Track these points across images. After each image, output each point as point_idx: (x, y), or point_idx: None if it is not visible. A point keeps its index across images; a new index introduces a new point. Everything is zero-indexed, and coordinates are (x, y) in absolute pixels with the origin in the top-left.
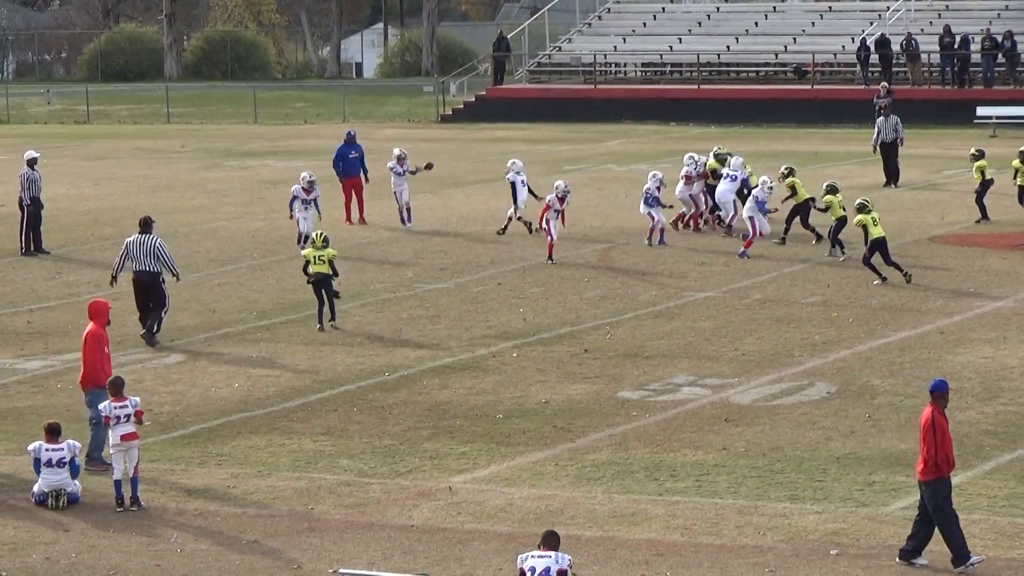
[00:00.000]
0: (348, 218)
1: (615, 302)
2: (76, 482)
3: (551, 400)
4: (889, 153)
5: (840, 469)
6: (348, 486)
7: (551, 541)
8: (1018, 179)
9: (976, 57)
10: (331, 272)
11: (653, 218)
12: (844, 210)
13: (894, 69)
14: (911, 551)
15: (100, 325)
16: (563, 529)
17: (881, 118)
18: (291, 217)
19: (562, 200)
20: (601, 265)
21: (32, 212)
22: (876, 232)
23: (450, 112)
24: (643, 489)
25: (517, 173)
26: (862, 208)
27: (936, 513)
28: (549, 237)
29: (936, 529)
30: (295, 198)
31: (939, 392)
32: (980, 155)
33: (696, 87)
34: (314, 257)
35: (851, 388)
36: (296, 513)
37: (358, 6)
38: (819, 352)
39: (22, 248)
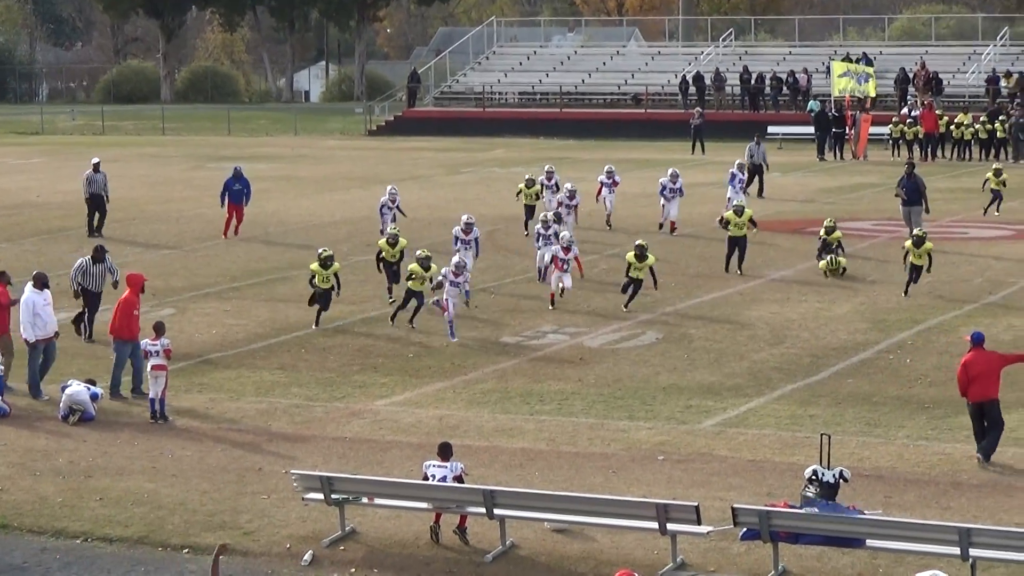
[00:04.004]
0: (225, 234)
1: (498, 271)
2: (93, 405)
3: (450, 343)
4: (756, 172)
5: (665, 396)
6: (298, 408)
7: (445, 450)
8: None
9: (767, 89)
10: (334, 287)
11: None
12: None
13: (706, 97)
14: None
15: (133, 293)
16: (457, 440)
17: (753, 143)
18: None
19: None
20: (488, 243)
21: (93, 204)
22: None
23: (375, 128)
24: (518, 410)
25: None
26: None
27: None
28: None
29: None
30: (457, 239)
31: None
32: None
33: (559, 110)
34: (321, 276)
35: (674, 335)
36: (258, 428)
37: (306, 48)
38: (650, 308)
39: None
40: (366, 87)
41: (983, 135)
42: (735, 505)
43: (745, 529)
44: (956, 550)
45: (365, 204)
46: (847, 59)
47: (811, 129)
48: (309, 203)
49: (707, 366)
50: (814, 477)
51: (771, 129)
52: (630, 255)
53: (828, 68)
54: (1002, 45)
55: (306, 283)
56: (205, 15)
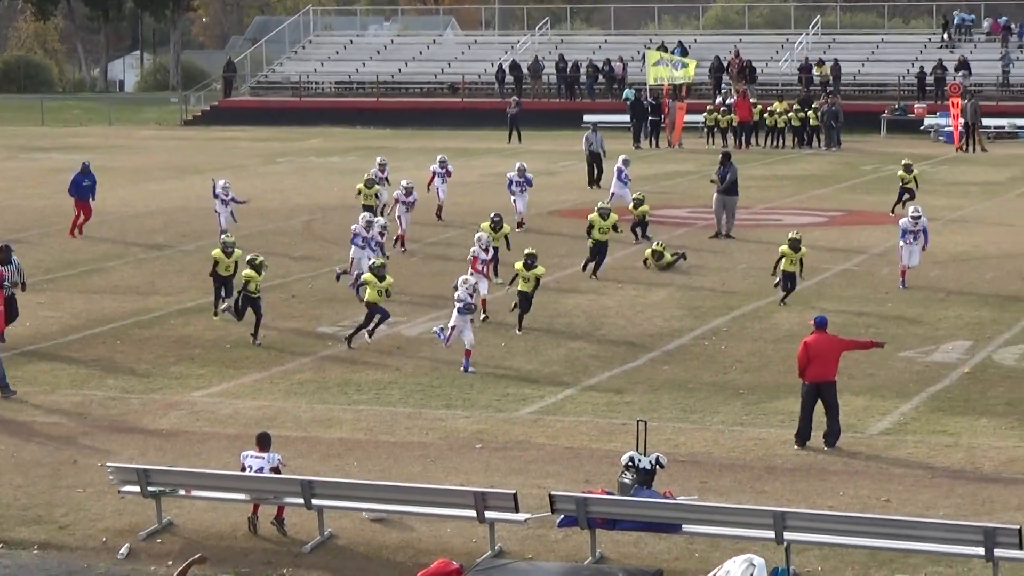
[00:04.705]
0: (72, 232)
1: (314, 261)
2: None
3: (268, 334)
4: (595, 161)
5: (483, 384)
6: (113, 400)
7: (263, 441)
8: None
9: (583, 77)
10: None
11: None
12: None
13: (523, 86)
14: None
15: None
16: (275, 431)
17: (591, 132)
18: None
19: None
20: (304, 233)
21: None
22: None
23: (191, 118)
24: (336, 400)
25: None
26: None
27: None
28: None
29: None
30: (356, 235)
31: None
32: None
33: (376, 100)
34: (256, 282)
35: (491, 323)
36: (74, 420)
37: (121, 37)
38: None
39: None
40: (181, 76)
41: (796, 123)
42: (552, 492)
43: (563, 516)
44: (771, 534)
45: (180, 195)
46: (662, 48)
47: (627, 117)
48: (124, 194)
49: (524, 354)
50: (631, 463)
51: (587, 118)
52: (519, 264)
53: (643, 56)
54: (814, 34)
55: (121, 275)
56: (17, 3)
